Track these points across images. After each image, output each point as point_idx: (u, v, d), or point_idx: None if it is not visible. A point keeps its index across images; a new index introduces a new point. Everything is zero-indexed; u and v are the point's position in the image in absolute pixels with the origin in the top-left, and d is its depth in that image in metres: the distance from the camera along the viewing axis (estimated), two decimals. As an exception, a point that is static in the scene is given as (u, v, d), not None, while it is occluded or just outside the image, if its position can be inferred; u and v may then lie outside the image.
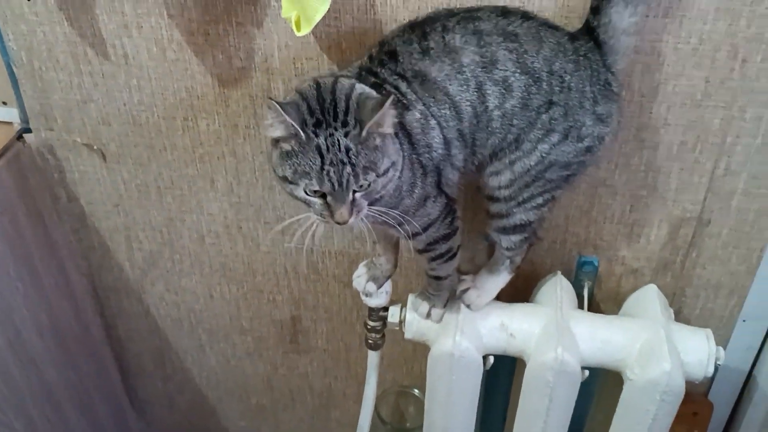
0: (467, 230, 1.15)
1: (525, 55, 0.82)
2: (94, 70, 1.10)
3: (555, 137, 0.85)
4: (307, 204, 0.79)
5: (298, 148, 0.76)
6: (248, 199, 1.21)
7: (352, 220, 0.78)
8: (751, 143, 0.99)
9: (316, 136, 0.75)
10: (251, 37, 1.02)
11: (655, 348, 0.98)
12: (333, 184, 0.75)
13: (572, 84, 0.84)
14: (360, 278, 1.05)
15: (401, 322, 1.07)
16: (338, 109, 0.76)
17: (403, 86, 0.83)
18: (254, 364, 1.48)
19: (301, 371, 1.47)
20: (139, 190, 1.23)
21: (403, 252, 1.09)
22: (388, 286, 1.07)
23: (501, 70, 0.82)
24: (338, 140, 0.75)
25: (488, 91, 0.82)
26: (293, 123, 0.74)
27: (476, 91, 0.82)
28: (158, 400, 1.60)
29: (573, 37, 0.86)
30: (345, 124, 0.75)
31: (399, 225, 0.86)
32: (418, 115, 0.83)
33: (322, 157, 0.75)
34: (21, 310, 1.21)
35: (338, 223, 0.78)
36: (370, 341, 1.14)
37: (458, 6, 0.91)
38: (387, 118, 0.75)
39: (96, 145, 1.18)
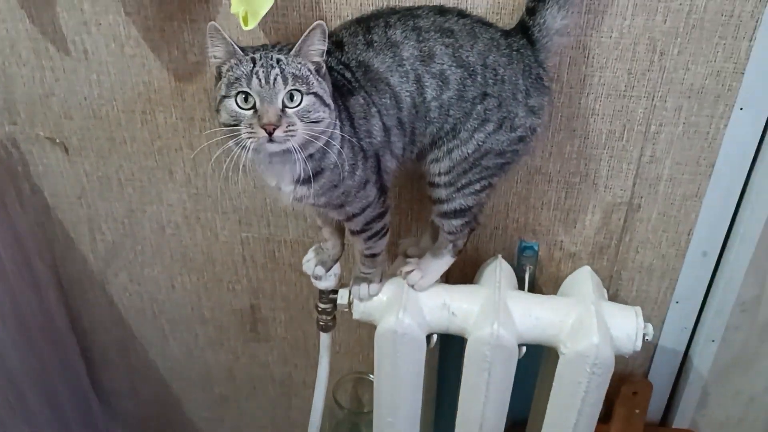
0: (414, 218, 1.22)
1: (460, 50, 0.89)
2: (55, 65, 1.15)
3: (490, 127, 0.91)
4: (237, 122, 0.82)
5: (234, 63, 0.83)
6: (206, 189, 1.26)
7: (280, 133, 0.80)
8: (674, 131, 1.07)
9: (253, 53, 0.83)
10: (204, 33, 1.08)
11: (585, 323, 1.04)
12: (260, 81, 0.81)
13: (506, 77, 0.90)
14: (309, 262, 1.11)
15: (350, 303, 1.12)
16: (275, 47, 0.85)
17: (347, 74, 0.89)
18: (216, 354, 1.52)
19: (262, 360, 1.52)
20: (101, 182, 1.28)
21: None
22: (336, 269, 1.13)
23: (438, 63, 0.88)
24: (271, 54, 0.83)
25: (426, 83, 0.89)
26: (232, 41, 0.83)
27: (415, 83, 0.89)
28: (123, 391, 1.64)
29: (506, 33, 0.93)
30: (280, 50, 0.84)
31: (340, 207, 0.93)
32: (361, 101, 0.89)
33: (254, 63, 0.82)
34: (-16, 299, 1.25)
35: (265, 129, 0.79)
36: (321, 323, 1.20)
37: (399, 5, 0.98)
38: (315, 42, 0.83)
39: (59, 139, 1.23)
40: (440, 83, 0.89)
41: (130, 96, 1.16)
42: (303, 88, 0.82)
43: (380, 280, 1.09)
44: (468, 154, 0.93)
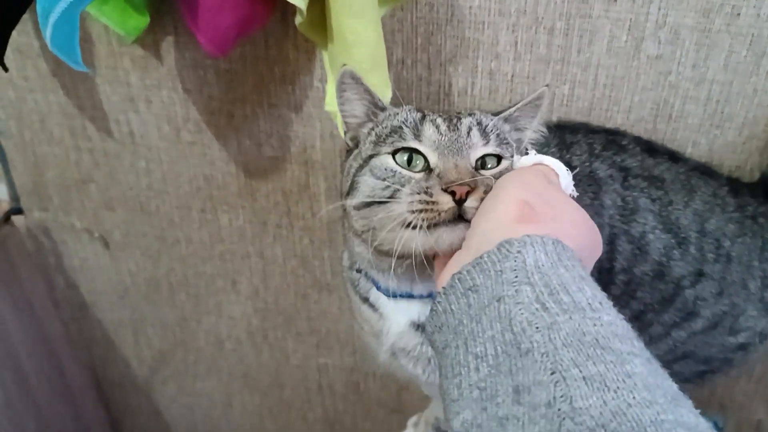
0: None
1: (670, 207, 0.57)
2: (95, 147, 0.89)
3: (699, 324, 0.60)
4: (394, 192, 0.51)
5: (388, 115, 0.56)
6: (276, 305, 0.98)
7: (474, 202, 0.48)
8: None
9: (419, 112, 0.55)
10: (287, 123, 0.79)
11: None
12: (438, 128, 0.52)
13: (733, 253, 0.58)
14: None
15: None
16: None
17: None
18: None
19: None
20: (147, 283, 1.02)
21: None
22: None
23: (640, 222, 0.57)
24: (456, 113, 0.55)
25: (619, 247, 0.57)
26: (375, 95, 0.56)
27: (608, 243, 0.57)
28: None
29: (736, 190, 0.60)
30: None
31: None
32: None
33: (424, 114, 0.54)
34: (3, 424, 1.01)
35: (453, 194, 0.47)
36: None
37: (593, 122, 0.67)
38: (535, 114, 0.56)
39: (98, 232, 0.97)
40: (636, 251, 0.58)
41: (186, 190, 0.89)
42: (506, 152, 0.52)
43: None
44: (656, 356, 0.61)
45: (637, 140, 0.62)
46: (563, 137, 0.60)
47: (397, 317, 0.61)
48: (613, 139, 0.61)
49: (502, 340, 0.37)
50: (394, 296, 0.58)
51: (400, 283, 0.57)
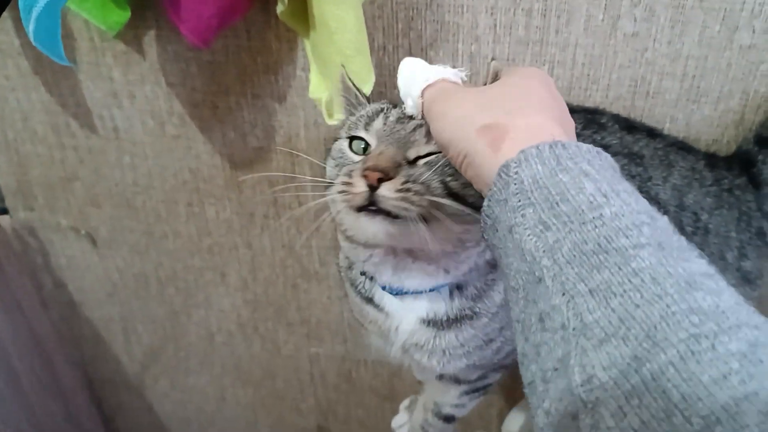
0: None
1: (649, 183, 0.58)
2: (78, 144, 0.89)
3: None
4: (336, 172, 0.53)
5: (361, 111, 0.58)
6: (267, 297, 0.98)
7: (388, 192, 0.47)
8: None
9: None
10: (271, 113, 0.80)
11: None
12: (386, 120, 0.53)
13: (711, 225, 0.59)
14: (404, 429, 0.81)
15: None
16: None
17: None
18: (275, 472, 1.25)
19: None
20: (136, 279, 1.02)
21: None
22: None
23: None
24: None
25: None
26: (357, 90, 0.58)
27: None
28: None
29: (712, 164, 0.62)
30: None
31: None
32: None
33: (386, 108, 0.55)
34: (-7, 424, 1.01)
35: (372, 172, 0.47)
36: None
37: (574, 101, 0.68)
38: None
39: (84, 229, 0.97)
40: None
41: (172, 184, 0.89)
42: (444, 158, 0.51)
43: None
44: None
45: (616, 118, 0.63)
46: None
47: (405, 315, 0.60)
48: (592, 118, 0.62)
49: (523, 271, 0.37)
50: (399, 294, 0.58)
51: (390, 277, 0.57)
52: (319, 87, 0.68)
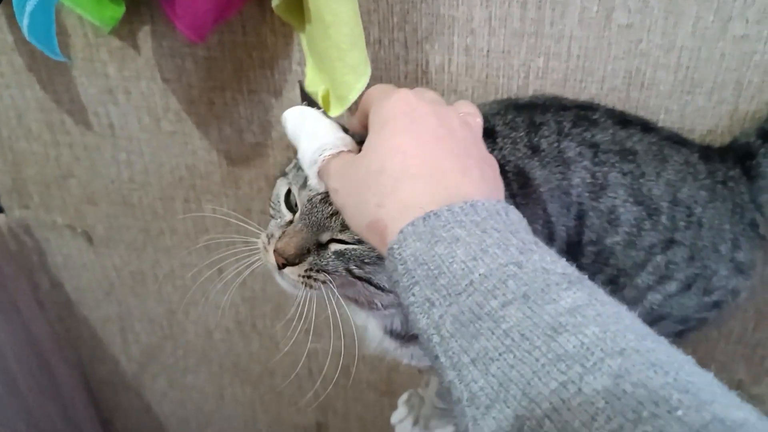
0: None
1: (641, 179, 0.59)
2: (74, 141, 0.88)
3: (673, 286, 0.61)
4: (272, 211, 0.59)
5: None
6: (264, 293, 0.98)
7: (292, 275, 0.53)
8: None
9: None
10: (267, 108, 0.80)
11: None
12: (310, 198, 0.53)
13: (704, 219, 0.60)
14: (403, 424, 0.81)
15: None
16: None
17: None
18: (274, 470, 1.25)
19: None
20: (133, 277, 1.02)
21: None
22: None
23: (610, 197, 0.58)
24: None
25: (588, 222, 0.59)
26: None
27: (576, 219, 0.59)
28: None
29: (707, 156, 0.62)
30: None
31: None
32: None
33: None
34: (-9, 425, 1.00)
35: (278, 256, 0.53)
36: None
37: (565, 96, 0.69)
38: None
39: (80, 227, 0.97)
40: (606, 225, 0.59)
41: (169, 181, 0.89)
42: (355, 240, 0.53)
43: None
44: None
45: (610, 113, 0.63)
46: (532, 118, 0.61)
47: (370, 327, 0.65)
48: (584, 114, 0.62)
49: (424, 348, 0.38)
50: None
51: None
52: (315, 81, 0.68)
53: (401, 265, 0.39)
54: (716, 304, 0.63)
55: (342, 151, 0.49)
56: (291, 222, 0.54)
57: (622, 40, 0.67)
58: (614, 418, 0.29)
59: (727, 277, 0.62)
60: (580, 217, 0.58)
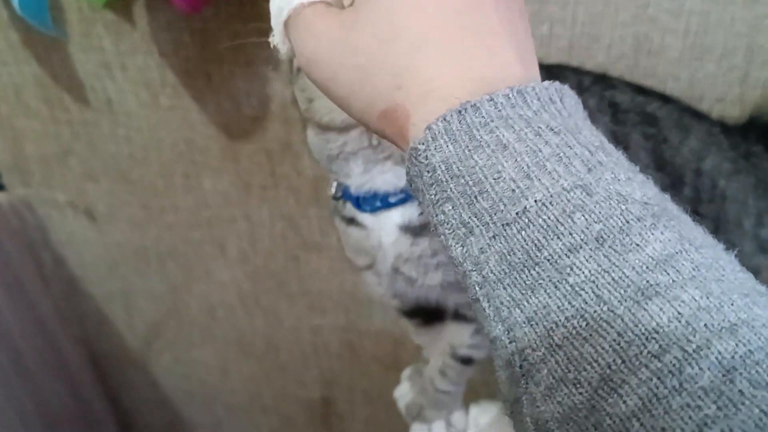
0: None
1: (664, 146, 0.57)
2: (72, 117, 0.87)
3: None
4: None
5: None
6: (267, 268, 0.98)
7: None
8: None
9: None
10: (264, 81, 0.79)
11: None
12: None
13: (728, 192, 0.58)
14: (405, 398, 0.81)
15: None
16: None
17: None
18: (281, 444, 1.26)
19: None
20: (136, 254, 1.01)
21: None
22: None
23: (631, 160, 0.57)
24: None
25: None
26: None
27: None
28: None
29: (728, 129, 0.60)
30: None
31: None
32: None
33: None
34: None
35: None
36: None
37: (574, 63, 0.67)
38: None
39: (82, 204, 0.96)
40: None
41: (168, 156, 0.88)
42: None
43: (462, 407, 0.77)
44: None
45: (625, 81, 0.62)
46: (550, 70, 0.59)
47: (384, 226, 0.58)
48: (601, 77, 0.60)
49: (459, 276, 0.30)
50: (372, 210, 0.57)
51: (360, 176, 0.54)
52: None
53: (428, 173, 0.30)
54: None
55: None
56: None
57: (630, 5, 0.65)
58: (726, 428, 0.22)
59: (750, 254, 0.60)
60: None
